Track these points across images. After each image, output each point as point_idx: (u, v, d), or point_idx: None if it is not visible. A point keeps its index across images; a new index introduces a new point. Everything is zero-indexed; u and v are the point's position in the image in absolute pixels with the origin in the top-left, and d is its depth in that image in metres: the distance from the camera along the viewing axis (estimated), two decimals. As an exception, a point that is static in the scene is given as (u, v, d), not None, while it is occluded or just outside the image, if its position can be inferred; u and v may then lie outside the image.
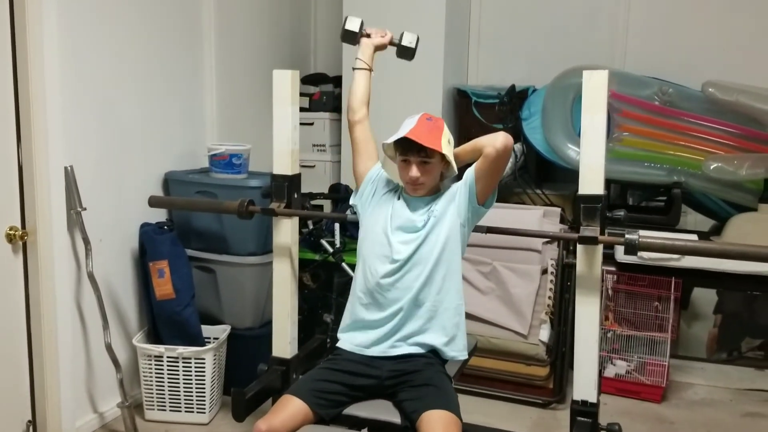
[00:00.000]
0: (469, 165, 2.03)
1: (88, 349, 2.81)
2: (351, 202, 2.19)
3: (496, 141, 1.91)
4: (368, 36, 2.27)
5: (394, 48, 2.31)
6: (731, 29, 3.73)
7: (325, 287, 3.50)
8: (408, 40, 2.28)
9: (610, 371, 3.28)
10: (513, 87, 3.72)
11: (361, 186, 2.15)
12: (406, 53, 2.30)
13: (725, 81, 3.37)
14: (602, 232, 2.05)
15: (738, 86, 3.33)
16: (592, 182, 2.06)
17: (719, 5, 3.76)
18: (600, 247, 2.08)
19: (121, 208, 2.92)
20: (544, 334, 3.12)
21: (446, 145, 1.98)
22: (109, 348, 2.76)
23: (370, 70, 2.23)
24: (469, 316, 3.08)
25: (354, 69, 2.23)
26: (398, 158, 2.03)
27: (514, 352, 3.15)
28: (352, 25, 2.26)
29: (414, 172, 1.98)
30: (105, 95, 2.80)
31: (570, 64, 3.47)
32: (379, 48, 2.27)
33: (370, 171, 2.14)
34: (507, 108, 3.66)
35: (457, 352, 2.04)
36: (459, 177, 2.06)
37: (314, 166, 4.07)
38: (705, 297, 3.77)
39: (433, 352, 2.01)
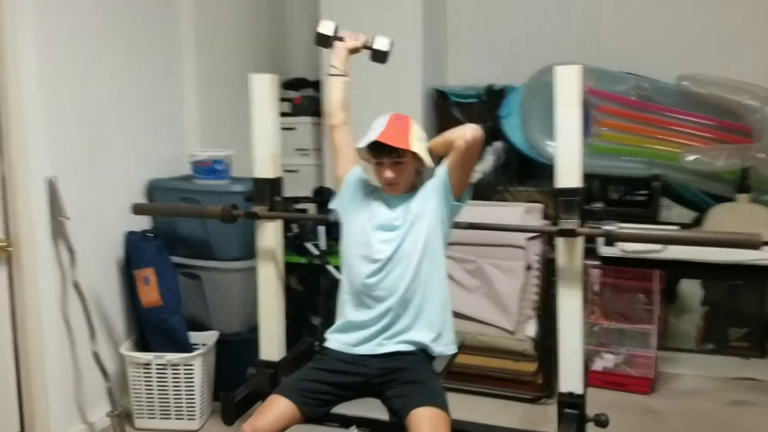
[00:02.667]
0: (443, 158, 2.05)
1: (76, 358, 2.80)
2: (331, 206, 2.20)
3: (465, 133, 1.94)
4: (341, 40, 2.27)
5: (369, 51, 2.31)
6: (702, 24, 3.79)
7: (312, 290, 3.51)
8: (381, 44, 2.28)
9: (598, 365, 3.32)
10: (491, 86, 3.76)
11: (341, 190, 2.17)
12: (380, 57, 2.29)
13: (699, 74, 3.43)
14: (581, 225, 2.08)
15: (712, 79, 3.40)
16: (569, 175, 2.09)
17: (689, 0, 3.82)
18: (580, 240, 2.11)
19: (105, 216, 2.92)
20: (531, 329, 3.15)
21: (417, 142, 2.00)
22: (96, 357, 2.77)
23: (345, 75, 2.24)
24: (456, 314, 3.08)
25: (329, 75, 2.25)
26: (372, 161, 2.05)
27: (501, 349, 3.17)
28: (325, 28, 2.27)
29: (388, 173, 2.00)
30: (86, 104, 2.80)
31: (546, 62, 3.49)
32: (353, 52, 2.27)
33: (349, 174, 2.16)
34: (486, 107, 3.70)
35: (444, 347, 2.05)
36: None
37: (298, 170, 4.08)
38: (692, 290, 3.81)
39: (421, 349, 2.03)
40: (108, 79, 2.92)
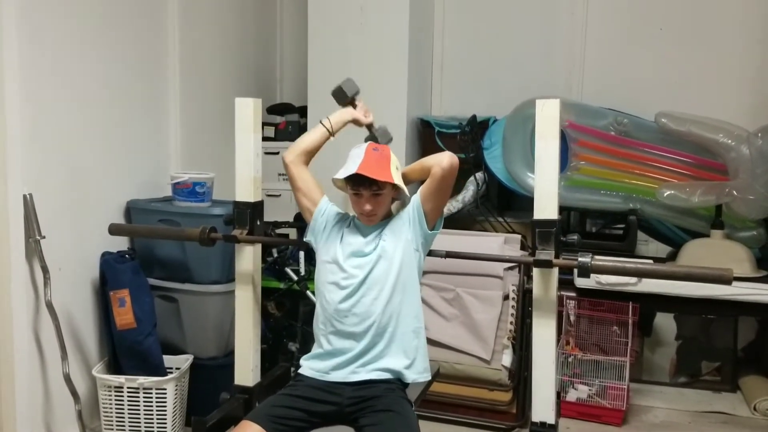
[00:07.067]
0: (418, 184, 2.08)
1: (46, 380, 2.75)
2: (305, 238, 2.21)
3: (442, 161, 1.97)
4: (354, 106, 2.27)
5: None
6: (682, 63, 3.89)
7: (290, 316, 3.50)
8: (382, 135, 2.27)
9: (571, 395, 3.32)
10: (474, 117, 3.80)
11: (312, 220, 2.18)
12: (374, 139, 2.28)
13: (677, 112, 3.49)
14: (557, 256, 2.10)
15: (689, 117, 3.46)
16: (546, 207, 2.12)
17: (670, 40, 3.91)
18: (555, 271, 2.13)
19: (82, 236, 2.89)
20: (507, 359, 3.16)
21: (395, 172, 2.01)
22: (67, 379, 2.72)
23: (332, 134, 2.22)
24: (433, 342, 3.12)
25: (320, 122, 2.23)
26: (350, 192, 2.05)
27: (477, 378, 3.17)
28: (349, 89, 2.25)
29: (367, 206, 2.02)
30: (67, 122, 2.79)
31: (529, 96, 3.55)
32: (355, 123, 2.26)
33: (319, 205, 2.17)
34: (468, 137, 3.73)
35: (417, 374, 2.06)
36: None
37: (280, 195, 4.09)
38: (667, 323, 3.86)
39: (395, 377, 2.03)
40: (92, 98, 2.92)
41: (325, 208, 2.17)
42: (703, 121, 3.44)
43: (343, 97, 2.26)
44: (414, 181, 2.11)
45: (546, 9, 4.14)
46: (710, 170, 3.47)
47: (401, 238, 2.04)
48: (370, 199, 2.01)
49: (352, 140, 2.20)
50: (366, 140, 2.29)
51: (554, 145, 2.12)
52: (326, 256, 2.10)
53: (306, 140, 2.22)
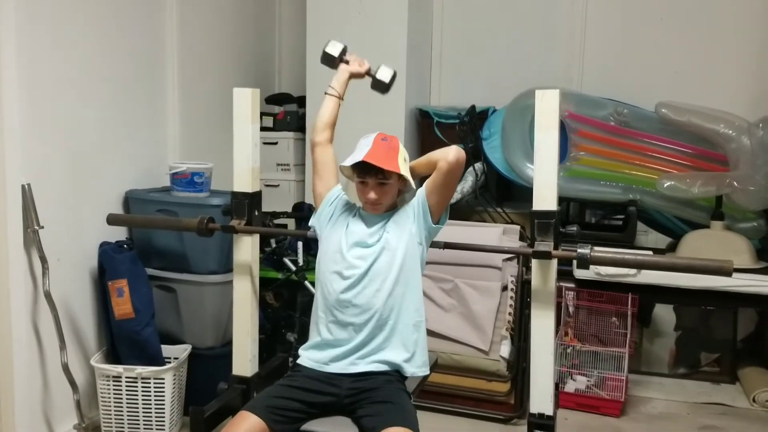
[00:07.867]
0: (424, 178, 2.07)
1: (45, 370, 2.75)
2: (310, 223, 2.21)
3: (448, 155, 1.96)
4: (347, 63, 2.27)
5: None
6: (682, 53, 3.88)
7: (288, 306, 3.50)
8: (384, 74, 2.27)
9: (570, 386, 3.33)
10: (473, 107, 3.79)
11: (320, 207, 2.17)
12: (380, 87, 2.29)
13: (677, 102, 3.48)
14: (556, 247, 2.09)
15: (690, 107, 3.45)
16: (545, 198, 2.11)
17: (671, 30, 3.91)
18: (554, 262, 2.12)
19: (80, 226, 2.88)
20: (505, 350, 3.16)
21: (403, 163, 2.01)
22: (65, 369, 2.72)
23: (340, 97, 2.23)
24: (431, 333, 3.12)
25: (325, 93, 2.24)
26: (356, 179, 2.05)
27: (475, 368, 3.17)
28: (333, 49, 2.26)
29: (372, 194, 2.01)
30: (65, 113, 2.78)
31: (529, 86, 3.54)
32: (354, 76, 2.27)
33: (330, 192, 2.16)
34: (467, 128, 3.72)
35: (416, 368, 2.05)
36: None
37: (278, 185, 4.09)
38: (667, 314, 3.86)
39: (394, 369, 2.02)
40: (90, 88, 2.90)
41: (336, 196, 2.16)
42: (704, 111, 3.43)
43: (332, 60, 2.27)
44: (420, 174, 2.10)
45: (546, -1, 4.12)
46: (710, 161, 3.47)
47: (405, 231, 2.03)
48: (375, 188, 2.01)
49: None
50: (372, 88, 2.30)
51: (553, 136, 2.10)
52: (330, 244, 2.09)
53: (323, 114, 2.23)
